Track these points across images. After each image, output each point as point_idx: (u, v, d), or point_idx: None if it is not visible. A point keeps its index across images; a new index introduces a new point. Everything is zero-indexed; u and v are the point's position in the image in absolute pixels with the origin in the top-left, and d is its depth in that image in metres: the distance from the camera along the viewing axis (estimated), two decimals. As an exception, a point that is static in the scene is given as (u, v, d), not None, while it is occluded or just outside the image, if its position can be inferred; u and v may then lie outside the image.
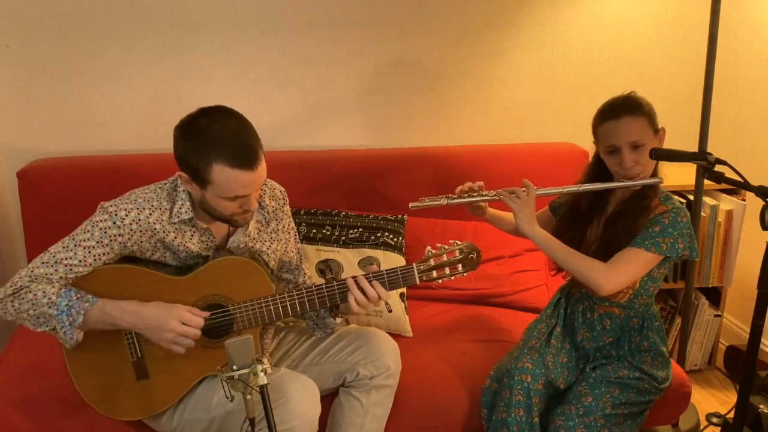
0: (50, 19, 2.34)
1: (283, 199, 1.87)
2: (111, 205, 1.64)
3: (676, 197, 2.51)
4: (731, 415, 2.32)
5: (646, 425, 2.01)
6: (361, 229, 2.33)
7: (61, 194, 2.25)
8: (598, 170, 1.87)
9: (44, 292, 1.56)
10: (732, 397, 2.51)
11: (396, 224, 2.38)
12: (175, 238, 1.67)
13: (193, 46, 2.45)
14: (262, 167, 1.59)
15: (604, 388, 1.79)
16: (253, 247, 1.77)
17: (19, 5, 2.31)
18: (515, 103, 2.73)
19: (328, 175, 2.46)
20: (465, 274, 1.74)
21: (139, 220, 1.63)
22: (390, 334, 2.16)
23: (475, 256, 1.73)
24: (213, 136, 1.53)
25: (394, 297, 2.20)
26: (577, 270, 1.76)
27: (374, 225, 2.35)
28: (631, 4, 2.70)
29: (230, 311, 1.68)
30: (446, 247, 1.73)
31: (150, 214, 1.64)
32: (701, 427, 2.34)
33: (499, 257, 2.41)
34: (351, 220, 2.36)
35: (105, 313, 1.59)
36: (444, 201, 1.86)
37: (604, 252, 1.78)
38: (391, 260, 2.28)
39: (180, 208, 1.66)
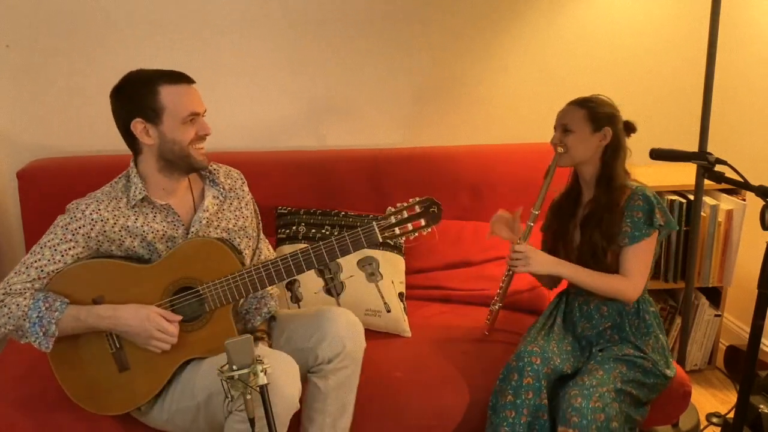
0: (50, 19, 2.34)
1: (241, 179, 1.94)
2: (72, 203, 1.74)
3: (675, 197, 2.53)
4: (731, 415, 2.32)
5: (646, 425, 2.01)
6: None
7: (61, 194, 2.23)
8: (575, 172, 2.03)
9: (18, 305, 1.62)
10: (732, 397, 2.51)
11: (396, 224, 2.38)
12: (137, 219, 1.72)
13: (195, 46, 2.45)
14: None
15: (613, 364, 1.83)
16: (219, 225, 1.80)
17: (19, 5, 2.31)
18: (515, 103, 2.73)
19: (328, 175, 2.46)
20: (429, 230, 1.71)
21: (99, 209, 1.71)
22: (389, 334, 2.17)
23: (435, 210, 1.70)
24: (147, 73, 1.69)
25: (392, 296, 2.20)
26: (602, 290, 1.90)
27: (374, 225, 2.35)
28: (632, 4, 2.70)
29: (200, 292, 1.69)
30: (405, 204, 1.71)
31: (108, 204, 1.72)
32: (701, 427, 2.34)
33: (499, 257, 2.41)
34: (351, 220, 2.36)
35: (80, 320, 1.65)
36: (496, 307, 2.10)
37: (591, 255, 1.90)
38: (390, 260, 2.28)
39: (134, 191, 1.72)
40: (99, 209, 1.71)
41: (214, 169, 1.86)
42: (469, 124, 2.72)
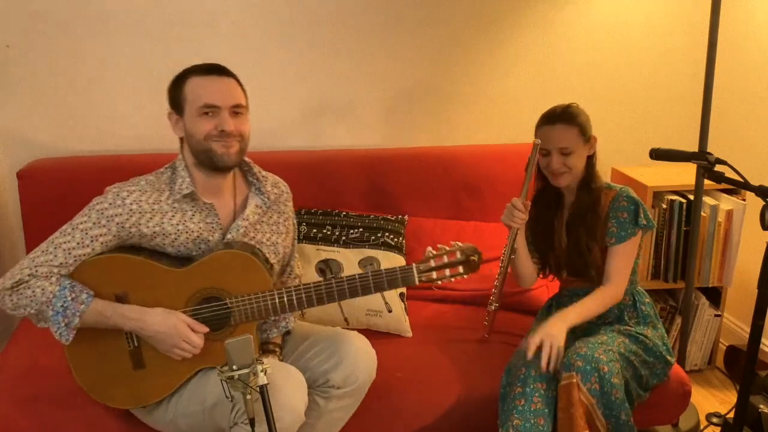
0: (50, 19, 2.34)
1: (288, 193, 1.90)
2: (114, 187, 1.68)
3: (675, 197, 2.54)
4: (731, 415, 2.32)
5: (646, 425, 2.01)
6: (361, 229, 2.33)
7: (61, 194, 2.25)
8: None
9: (43, 290, 1.58)
10: (732, 397, 2.51)
11: (396, 224, 2.38)
12: (174, 216, 1.68)
13: (197, 46, 2.45)
14: (235, 85, 1.71)
15: (616, 335, 1.87)
16: (254, 237, 1.77)
17: (19, 5, 2.31)
18: (516, 103, 2.73)
19: (329, 175, 2.46)
20: (465, 276, 1.73)
21: (140, 201, 1.66)
22: (389, 334, 2.17)
23: (476, 259, 1.72)
24: (191, 67, 1.71)
25: (393, 297, 2.20)
26: (600, 311, 1.91)
27: (374, 225, 2.35)
28: (632, 4, 2.70)
29: (228, 305, 1.68)
30: (447, 248, 1.71)
31: (150, 196, 1.68)
32: (701, 427, 2.34)
33: (499, 257, 2.41)
34: (351, 220, 2.36)
35: (105, 317, 1.61)
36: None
37: (579, 254, 1.93)
38: (391, 260, 2.28)
39: (181, 184, 1.69)
40: (140, 200, 1.66)
41: (263, 177, 1.83)
42: (469, 124, 2.73)
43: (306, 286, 1.69)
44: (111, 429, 1.76)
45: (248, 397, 1.43)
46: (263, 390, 1.40)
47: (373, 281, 1.69)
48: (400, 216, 2.42)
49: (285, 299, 1.69)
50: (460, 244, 1.72)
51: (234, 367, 1.39)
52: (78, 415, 1.76)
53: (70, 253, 1.61)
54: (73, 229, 1.63)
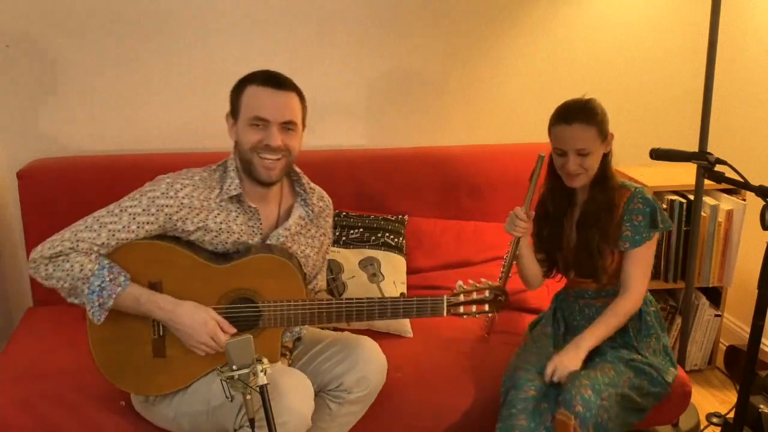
0: (50, 19, 2.34)
1: (330, 208, 1.91)
2: (168, 177, 1.68)
3: (675, 197, 2.53)
4: (731, 415, 2.32)
5: (646, 425, 2.01)
6: (361, 230, 2.33)
7: (61, 194, 2.25)
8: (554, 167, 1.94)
9: (81, 266, 1.57)
10: (732, 397, 2.51)
11: (396, 225, 2.38)
12: (219, 215, 1.68)
13: (196, 45, 2.45)
14: (293, 99, 1.67)
15: (624, 368, 1.81)
16: (290, 247, 1.77)
17: (20, 5, 2.31)
18: (516, 102, 2.73)
19: (328, 175, 2.44)
20: (490, 314, 1.80)
21: (192, 196, 1.66)
22: (390, 334, 2.17)
23: (503, 299, 1.79)
24: (254, 73, 1.68)
25: (394, 297, 2.20)
26: (619, 325, 1.86)
27: (375, 225, 2.35)
28: (633, 4, 2.70)
29: (260, 308, 1.68)
30: (478, 285, 1.78)
31: (202, 192, 1.68)
32: (701, 427, 2.34)
33: (499, 257, 2.41)
34: (351, 220, 2.36)
35: (139, 303, 1.61)
36: None
37: (588, 256, 1.87)
38: (391, 261, 2.28)
39: (230, 185, 1.69)
40: (192, 195, 1.66)
41: (311, 188, 1.83)
42: (470, 123, 2.72)
43: (338, 302, 1.71)
44: (112, 428, 1.76)
45: (248, 397, 1.43)
46: (263, 390, 1.40)
47: (403, 308, 1.74)
48: (400, 216, 2.42)
49: (316, 311, 1.69)
50: (490, 283, 1.79)
51: (234, 367, 1.39)
52: (78, 414, 1.76)
53: (114, 235, 1.61)
54: (121, 211, 1.62)
